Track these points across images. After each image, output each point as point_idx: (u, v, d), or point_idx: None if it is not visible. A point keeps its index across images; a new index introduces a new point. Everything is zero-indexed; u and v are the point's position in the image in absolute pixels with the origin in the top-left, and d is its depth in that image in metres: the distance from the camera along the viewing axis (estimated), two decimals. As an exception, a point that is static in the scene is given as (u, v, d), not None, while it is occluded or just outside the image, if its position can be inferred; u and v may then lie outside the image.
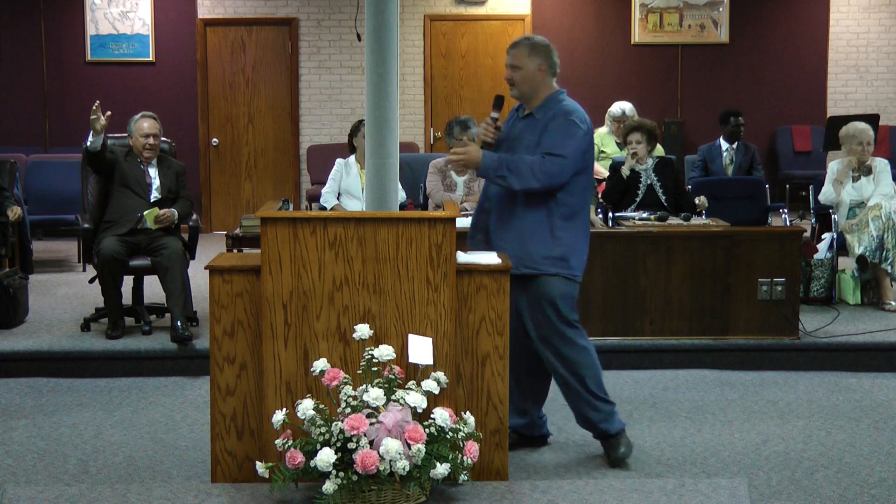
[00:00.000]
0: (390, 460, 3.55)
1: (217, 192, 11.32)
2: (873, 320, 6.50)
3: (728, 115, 8.79)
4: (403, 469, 3.56)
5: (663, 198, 7.12)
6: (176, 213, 6.27)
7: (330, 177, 7.17)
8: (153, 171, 6.34)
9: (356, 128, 7.12)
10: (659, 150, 7.84)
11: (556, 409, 5.18)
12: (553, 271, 4.22)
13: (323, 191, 7.19)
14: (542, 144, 4.27)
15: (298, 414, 3.68)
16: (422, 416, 3.71)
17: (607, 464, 4.33)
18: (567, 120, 4.30)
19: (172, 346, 5.87)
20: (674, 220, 6.67)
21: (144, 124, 6.29)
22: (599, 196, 7.40)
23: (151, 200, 6.25)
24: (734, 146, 8.74)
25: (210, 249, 8.05)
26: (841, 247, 7.08)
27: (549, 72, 4.41)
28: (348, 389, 3.70)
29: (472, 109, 11.03)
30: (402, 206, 6.60)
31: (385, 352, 3.74)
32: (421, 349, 3.84)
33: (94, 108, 5.92)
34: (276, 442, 3.76)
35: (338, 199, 7.08)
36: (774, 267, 6.01)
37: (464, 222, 6.52)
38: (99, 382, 5.70)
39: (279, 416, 3.75)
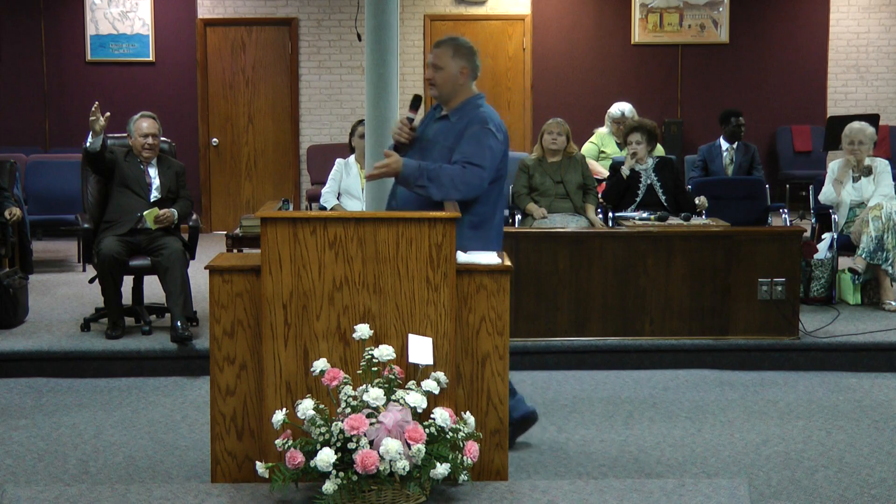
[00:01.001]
0: (390, 460, 3.55)
1: (217, 192, 11.32)
2: (873, 320, 6.50)
3: (729, 115, 8.79)
4: (403, 469, 3.56)
5: (663, 198, 7.12)
6: (176, 214, 6.27)
7: (330, 177, 7.17)
8: (153, 171, 6.34)
9: (355, 128, 7.12)
10: (659, 150, 7.84)
11: (556, 408, 5.18)
12: None
13: (323, 191, 7.19)
14: (459, 151, 4.24)
15: (298, 414, 3.68)
16: (422, 416, 3.71)
17: None
18: (484, 129, 4.27)
19: (172, 346, 5.87)
20: (674, 220, 6.68)
21: (143, 124, 6.29)
22: (600, 196, 7.40)
23: (151, 200, 6.25)
24: (734, 146, 8.75)
25: (210, 249, 8.06)
26: (841, 247, 7.08)
27: (470, 75, 4.40)
28: (348, 389, 3.70)
29: (472, 109, 11.02)
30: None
31: (385, 352, 3.74)
32: (421, 349, 3.84)
33: (93, 108, 5.92)
34: (276, 442, 3.76)
35: (338, 199, 7.08)
36: (774, 267, 6.01)
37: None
38: (99, 382, 5.70)
39: (279, 416, 3.75)
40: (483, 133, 4.27)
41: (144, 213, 6.16)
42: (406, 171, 4.19)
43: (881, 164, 7.21)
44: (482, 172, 4.21)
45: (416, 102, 4.46)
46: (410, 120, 4.43)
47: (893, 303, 6.81)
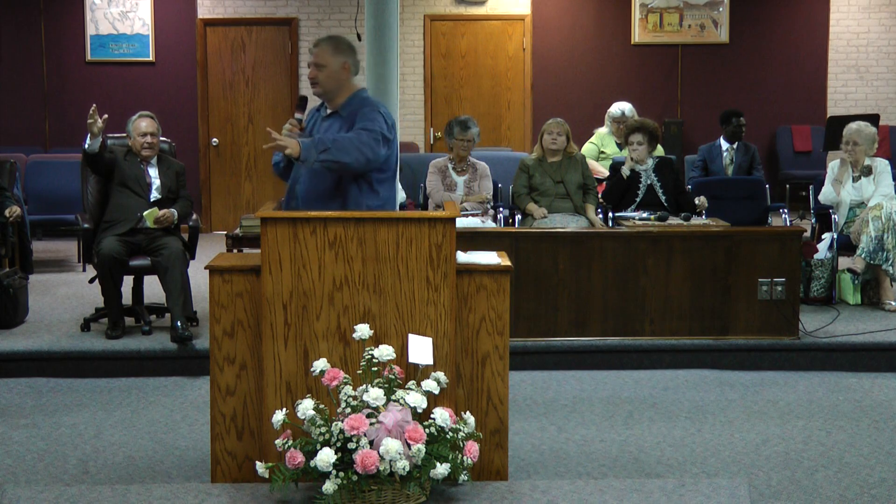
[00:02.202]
0: (390, 460, 3.55)
1: (217, 192, 11.33)
2: (873, 320, 6.50)
3: (730, 115, 8.79)
4: (403, 469, 3.56)
5: (663, 198, 7.12)
6: (176, 214, 6.27)
7: (330, 177, 7.15)
8: (153, 171, 6.34)
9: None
10: (659, 150, 7.84)
11: (556, 408, 5.18)
12: None
13: (323, 191, 7.18)
14: (353, 128, 4.37)
15: (298, 414, 3.68)
16: (422, 416, 3.71)
17: None
18: (374, 109, 4.42)
19: (172, 346, 5.87)
20: (674, 220, 6.68)
21: (142, 123, 6.29)
22: (600, 196, 7.40)
23: (151, 200, 6.25)
24: (734, 146, 8.75)
25: (210, 249, 8.05)
26: (841, 247, 7.08)
27: (352, 70, 4.49)
28: (348, 389, 3.70)
29: (471, 109, 11.04)
30: (402, 206, 6.61)
31: (385, 352, 3.74)
32: (421, 349, 3.84)
33: (90, 111, 5.92)
34: (276, 442, 3.76)
35: (338, 199, 7.07)
36: (774, 267, 6.01)
37: (464, 222, 6.55)
38: (99, 382, 5.69)
39: (279, 416, 3.75)
40: (372, 111, 4.41)
41: (144, 213, 6.16)
42: (304, 146, 4.25)
43: (881, 164, 7.20)
44: (378, 136, 4.32)
45: (302, 103, 4.52)
46: (299, 120, 4.49)
47: (893, 303, 6.81)
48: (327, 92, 4.47)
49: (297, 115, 4.46)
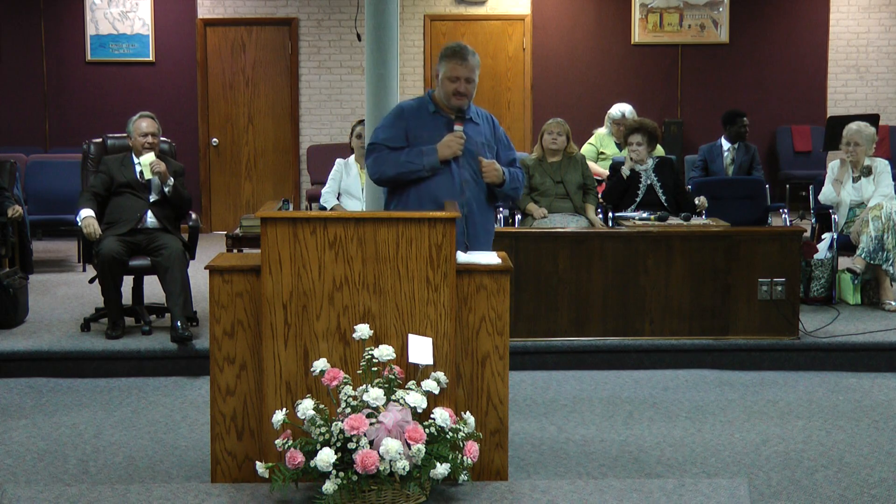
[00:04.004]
0: (390, 460, 3.55)
1: (217, 192, 11.33)
2: (873, 320, 6.50)
3: (734, 115, 8.79)
4: (403, 469, 3.56)
5: (663, 198, 7.12)
6: (168, 170, 6.25)
7: (330, 177, 7.17)
8: (153, 171, 6.34)
9: (354, 128, 7.13)
10: (659, 150, 7.84)
11: (556, 408, 5.18)
12: None
13: (323, 191, 7.19)
14: (507, 155, 4.68)
15: (298, 414, 3.68)
16: (422, 416, 3.71)
17: None
18: (504, 135, 4.76)
19: (172, 346, 5.87)
20: (674, 220, 6.68)
21: (143, 124, 6.30)
22: (600, 196, 7.40)
23: (151, 200, 6.25)
24: (735, 146, 8.75)
25: (210, 249, 8.06)
26: (841, 247, 7.08)
27: None
28: (348, 389, 3.70)
29: (472, 109, 11.03)
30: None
31: (385, 352, 3.74)
32: (421, 349, 3.84)
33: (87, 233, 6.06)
34: (276, 442, 3.76)
35: (338, 199, 7.08)
36: (774, 267, 6.01)
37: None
38: (99, 382, 5.69)
39: (279, 416, 3.75)
40: (505, 134, 4.78)
41: (140, 159, 6.18)
42: (505, 177, 4.61)
43: (881, 165, 7.20)
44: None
45: (461, 115, 4.53)
46: (460, 131, 4.53)
47: (893, 303, 6.81)
48: (469, 102, 4.56)
49: (458, 127, 4.48)
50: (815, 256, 6.99)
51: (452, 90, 4.46)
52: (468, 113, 4.56)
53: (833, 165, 7.37)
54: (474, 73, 4.49)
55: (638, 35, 11.36)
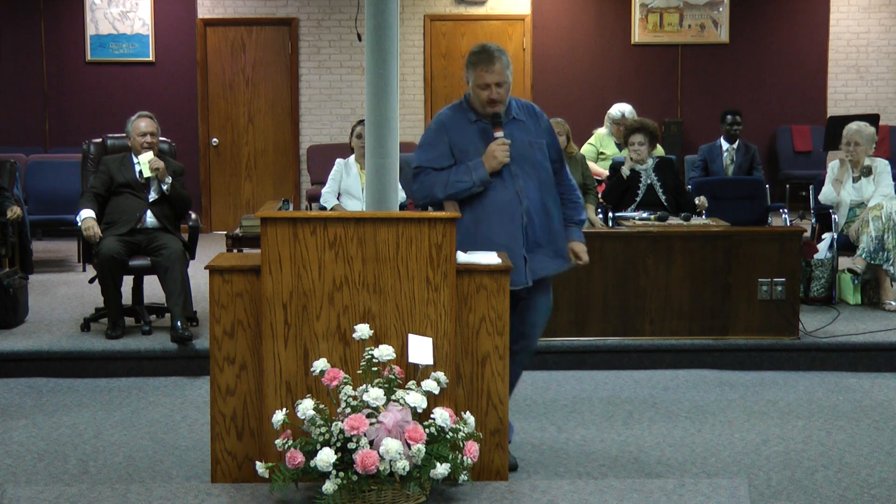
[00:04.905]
0: (390, 460, 3.55)
1: (217, 192, 11.33)
2: (873, 320, 6.50)
3: (725, 114, 8.80)
4: (403, 469, 3.56)
5: (663, 198, 7.12)
6: (168, 170, 6.25)
7: (330, 177, 7.17)
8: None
9: (354, 128, 7.12)
10: (659, 150, 7.84)
11: (556, 408, 5.18)
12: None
13: (323, 191, 7.19)
14: (552, 149, 4.38)
15: (298, 414, 3.69)
16: (422, 416, 3.71)
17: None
18: (554, 132, 4.46)
19: (172, 346, 5.87)
20: (674, 220, 6.67)
21: (141, 124, 6.30)
22: (600, 196, 7.40)
23: (150, 200, 6.25)
24: (734, 146, 8.75)
25: (210, 249, 8.05)
26: (841, 247, 7.08)
27: None
28: (348, 389, 3.70)
29: (472, 109, 11.02)
30: (402, 206, 6.60)
31: (385, 352, 3.74)
32: (421, 349, 3.84)
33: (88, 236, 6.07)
34: (276, 442, 3.76)
35: (338, 199, 7.08)
36: (774, 267, 6.01)
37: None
38: (99, 382, 5.70)
39: (279, 416, 3.75)
40: (558, 139, 4.53)
41: (139, 158, 6.18)
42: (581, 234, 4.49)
43: (881, 165, 7.20)
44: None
45: (498, 119, 4.27)
46: (502, 136, 4.27)
47: (893, 303, 6.81)
48: (504, 106, 4.28)
49: (498, 133, 4.24)
50: (815, 256, 6.99)
51: (485, 98, 4.22)
52: (511, 111, 4.31)
53: (833, 165, 7.37)
54: (504, 74, 4.22)
55: (638, 35, 11.36)
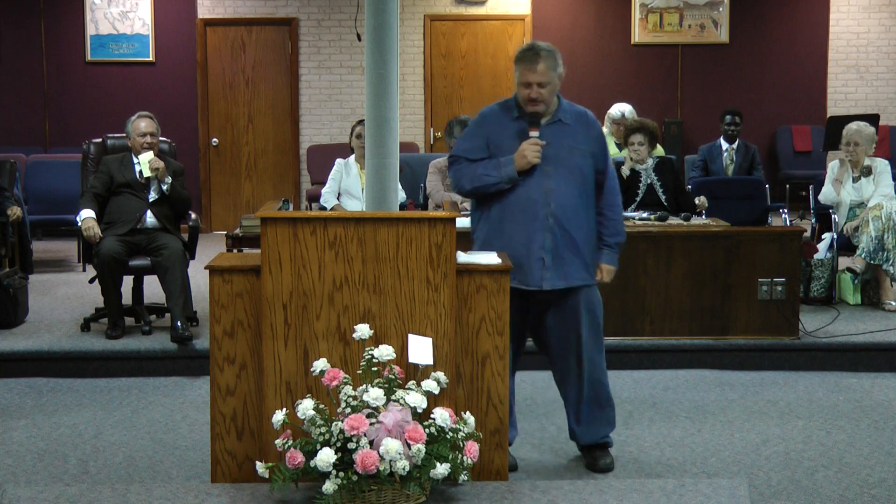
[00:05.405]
0: (390, 460, 3.55)
1: (217, 192, 11.33)
2: (873, 320, 6.50)
3: (725, 114, 8.80)
4: (403, 469, 3.56)
5: (663, 198, 7.12)
6: (167, 170, 6.25)
7: (330, 177, 7.17)
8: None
9: (354, 128, 7.13)
10: (659, 150, 7.84)
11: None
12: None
13: (323, 191, 7.19)
14: (597, 161, 4.28)
15: (298, 414, 3.68)
16: (422, 416, 3.71)
17: (592, 471, 4.31)
18: (604, 141, 4.37)
19: (172, 346, 5.87)
20: (674, 220, 6.67)
21: (141, 124, 6.30)
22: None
23: (150, 200, 6.26)
24: (734, 146, 8.75)
25: (210, 249, 8.05)
26: (841, 247, 7.08)
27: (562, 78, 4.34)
28: (348, 389, 3.70)
29: (471, 109, 11.03)
30: (402, 206, 6.61)
31: (385, 352, 3.74)
32: (421, 349, 3.84)
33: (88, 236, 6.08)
34: (276, 442, 3.76)
35: (338, 199, 7.08)
36: (774, 267, 6.01)
37: (464, 222, 6.53)
38: (99, 382, 5.70)
39: (279, 416, 3.75)
40: (607, 148, 4.39)
41: (139, 157, 6.18)
42: (617, 259, 4.45)
43: (881, 165, 7.20)
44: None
45: (536, 120, 4.24)
46: (537, 137, 4.23)
47: (893, 303, 6.81)
48: (546, 106, 4.23)
49: (534, 133, 4.20)
50: (815, 256, 6.99)
51: (525, 97, 4.19)
52: (558, 113, 4.26)
53: (833, 165, 7.37)
54: (548, 75, 4.17)
55: (638, 35, 11.36)
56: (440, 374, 3.84)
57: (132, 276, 6.35)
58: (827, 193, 7.29)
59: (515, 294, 4.14)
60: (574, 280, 4.25)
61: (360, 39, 6.10)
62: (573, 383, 4.37)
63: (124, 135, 6.46)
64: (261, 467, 3.78)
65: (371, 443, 3.58)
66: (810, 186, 7.71)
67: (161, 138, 6.47)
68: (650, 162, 7.23)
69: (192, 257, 6.36)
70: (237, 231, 6.71)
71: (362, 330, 3.80)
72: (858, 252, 6.86)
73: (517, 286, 4.17)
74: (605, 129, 8.75)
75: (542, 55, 4.19)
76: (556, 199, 4.18)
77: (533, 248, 4.18)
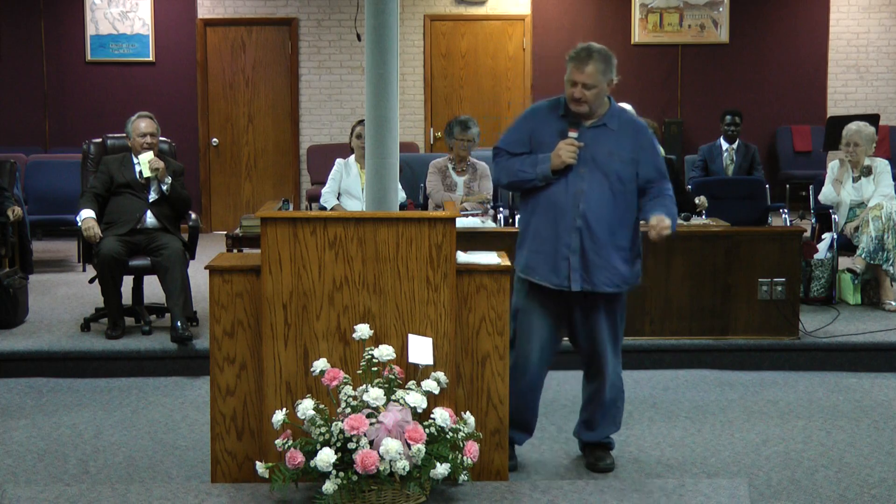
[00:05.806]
0: (390, 460, 3.55)
1: (217, 192, 11.33)
2: (873, 320, 6.50)
3: (725, 114, 8.80)
4: (403, 469, 3.56)
5: (663, 198, 7.11)
6: (168, 171, 6.24)
7: (330, 177, 7.17)
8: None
9: (354, 128, 7.13)
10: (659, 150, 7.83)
11: (557, 409, 5.18)
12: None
13: (323, 191, 7.19)
14: (641, 169, 4.18)
15: (298, 414, 3.69)
16: (422, 416, 3.71)
17: (593, 471, 4.31)
18: (655, 146, 4.30)
19: (172, 346, 5.87)
20: (674, 220, 6.67)
21: (141, 124, 6.30)
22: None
23: (150, 200, 6.26)
24: (734, 146, 8.75)
25: (210, 249, 8.05)
26: (841, 247, 7.08)
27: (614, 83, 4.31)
28: (348, 389, 3.70)
29: (472, 109, 11.04)
30: (402, 206, 6.61)
31: (385, 352, 3.74)
32: (421, 349, 3.84)
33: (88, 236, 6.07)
34: (276, 442, 3.76)
35: (338, 199, 7.08)
36: (774, 267, 6.01)
37: (464, 222, 6.54)
38: (99, 382, 5.70)
39: (279, 416, 3.75)
40: (657, 152, 4.32)
41: (139, 157, 6.18)
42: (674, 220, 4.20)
43: (881, 165, 7.20)
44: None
45: (575, 121, 4.22)
46: (575, 138, 4.19)
47: (893, 303, 6.81)
48: (592, 109, 4.20)
49: (572, 134, 4.16)
50: (815, 256, 6.99)
51: (570, 95, 4.17)
52: (605, 118, 4.22)
53: (833, 165, 7.37)
54: (595, 78, 4.15)
55: (638, 35, 11.36)
56: (440, 374, 3.84)
57: (132, 276, 6.35)
58: (827, 193, 7.29)
59: (546, 292, 4.14)
60: (601, 286, 4.13)
61: (360, 39, 6.11)
62: (596, 384, 4.37)
63: (124, 135, 6.45)
64: (261, 467, 3.78)
65: (371, 443, 3.58)
66: (810, 186, 7.71)
67: (161, 138, 6.47)
68: (650, 162, 7.22)
69: (192, 257, 6.36)
70: (237, 231, 6.71)
71: (362, 330, 3.80)
72: (858, 252, 6.86)
73: (545, 283, 4.15)
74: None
75: (594, 57, 4.18)
76: (586, 201, 4.11)
77: (559, 248, 4.13)
